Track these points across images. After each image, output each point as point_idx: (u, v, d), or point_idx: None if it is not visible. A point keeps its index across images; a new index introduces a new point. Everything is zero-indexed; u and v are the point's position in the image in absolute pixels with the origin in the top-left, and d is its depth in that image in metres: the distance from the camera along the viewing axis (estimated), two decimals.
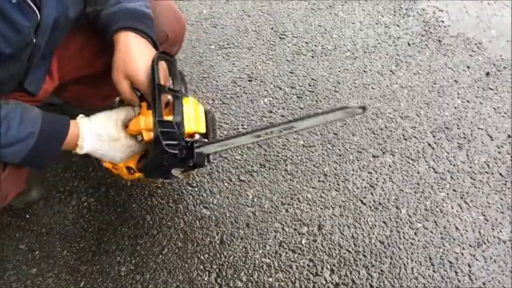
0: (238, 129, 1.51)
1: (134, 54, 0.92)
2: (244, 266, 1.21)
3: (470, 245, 1.26)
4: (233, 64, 1.71)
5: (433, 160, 1.44)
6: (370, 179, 1.39)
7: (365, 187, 1.37)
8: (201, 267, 1.20)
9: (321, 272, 1.20)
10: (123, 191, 1.34)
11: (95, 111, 0.98)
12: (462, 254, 1.24)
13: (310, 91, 1.63)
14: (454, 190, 1.38)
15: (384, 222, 1.30)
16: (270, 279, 1.19)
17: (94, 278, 1.19)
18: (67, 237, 1.26)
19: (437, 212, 1.32)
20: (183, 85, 1.00)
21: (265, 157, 1.43)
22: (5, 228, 1.26)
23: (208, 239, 1.25)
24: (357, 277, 1.19)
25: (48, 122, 0.87)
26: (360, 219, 1.30)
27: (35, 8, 0.79)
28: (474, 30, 1.87)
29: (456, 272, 1.21)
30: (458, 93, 1.64)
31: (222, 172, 1.39)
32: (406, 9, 1.95)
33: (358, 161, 1.43)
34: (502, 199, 1.36)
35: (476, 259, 1.24)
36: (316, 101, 1.60)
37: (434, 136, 1.51)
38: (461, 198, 1.36)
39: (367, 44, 1.80)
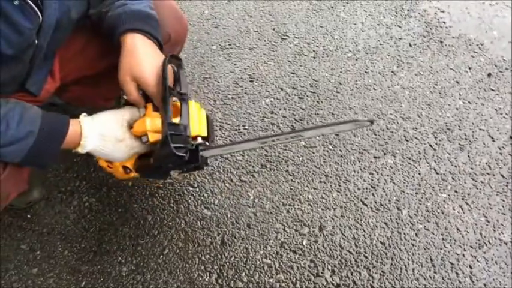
0: (239, 129, 1.51)
1: (141, 56, 0.92)
2: (245, 267, 1.21)
3: (471, 246, 1.26)
4: (235, 65, 1.71)
5: (435, 161, 1.44)
6: (372, 180, 1.39)
7: (366, 188, 1.37)
8: (202, 267, 1.20)
9: (321, 272, 1.20)
10: (124, 191, 1.34)
11: (97, 110, 0.98)
12: (463, 255, 1.24)
13: (311, 92, 1.63)
14: (456, 191, 1.37)
15: (385, 223, 1.30)
16: (271, 280, 1.19)
17: (95, 278, 1.19)
18: (68, 237, 1.26)
19: (438, 213, 1.32)
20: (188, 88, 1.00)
21: (266, 158, 1.43)
22: (6, 228, 1.27)
23: (210, 239, 1.25)
24: (358, 278, 1.19)
25: (47, 121, 0.87)
26: (361, 220, 1.30)
27: (36, 10, 0.79)
28: (476, 31, 1.87)
29: (457, 273, 1.21)
30: (460, 94, 1.64)
31: (223, 172, 1.39)
32: (408, 10, 1.95)
33: (359, 162, 1.43)
34: (503, 200, 1.36)
35: (477, 260, 1.23)
36: (317, 101, 1.60)
37: (435, 137, 1.51)
38: (463, 199, 1.36)
39: (369, 45, 1.80)
